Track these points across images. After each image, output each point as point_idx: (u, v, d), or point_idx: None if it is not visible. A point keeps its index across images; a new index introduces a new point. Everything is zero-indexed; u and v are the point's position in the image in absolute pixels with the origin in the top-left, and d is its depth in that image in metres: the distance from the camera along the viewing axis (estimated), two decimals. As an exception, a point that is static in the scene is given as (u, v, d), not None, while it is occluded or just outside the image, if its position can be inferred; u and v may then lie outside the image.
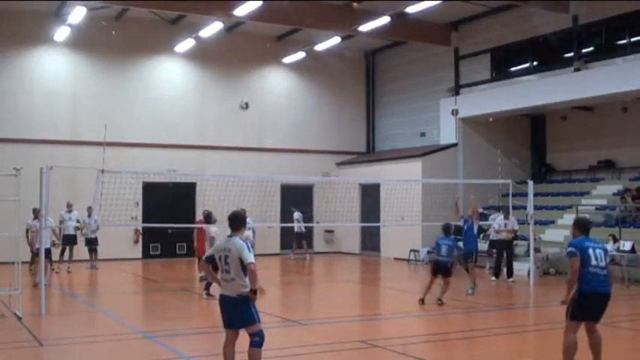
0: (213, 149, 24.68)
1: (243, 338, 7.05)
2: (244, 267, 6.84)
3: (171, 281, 17.04)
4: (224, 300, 7.02)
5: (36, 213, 15.52)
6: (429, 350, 9.66)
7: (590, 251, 7.45)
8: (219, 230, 14.15)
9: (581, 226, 7.76)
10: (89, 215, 18.84)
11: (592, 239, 7.68)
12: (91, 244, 19.86)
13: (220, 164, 23.85)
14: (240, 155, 24.88)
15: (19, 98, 22.18)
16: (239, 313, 6.92)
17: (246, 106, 24.76)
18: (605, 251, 7.66)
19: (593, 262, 7.41)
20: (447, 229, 13.95)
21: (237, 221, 7.15)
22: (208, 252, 7.40)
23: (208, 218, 15.00)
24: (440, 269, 13.44)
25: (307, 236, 24.28)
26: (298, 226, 22.77)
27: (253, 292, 6.84)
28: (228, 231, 7.18)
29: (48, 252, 15.95)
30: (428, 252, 22.71)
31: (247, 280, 6.88)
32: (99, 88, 23.32)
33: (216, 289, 14.54)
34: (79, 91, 23.03)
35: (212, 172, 21.77)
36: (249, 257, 6.80)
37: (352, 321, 12.10)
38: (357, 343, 9.86)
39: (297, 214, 23.00)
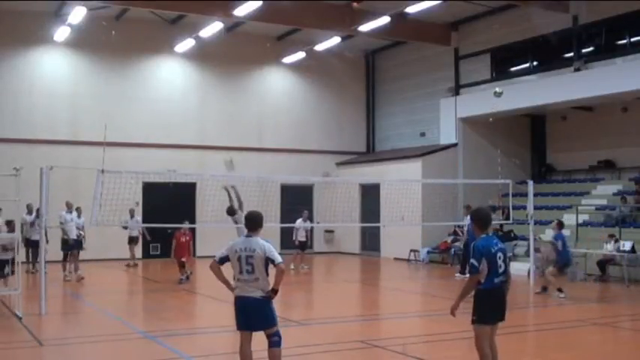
0: (213, 149, 24.70)
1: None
2: (267, 267, 6.82)
3: (172, 281, 17.02)
4: (245, 302, 6.82)
5: (69, 207, 16.74)
6: (429, 350, 9.65)
7: None
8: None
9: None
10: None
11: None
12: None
13: (220, 164, 23.86)
14: (240, 155, 24.88)
15: (19, 98, 22.19)
16: (263, 314, 6.81)
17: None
18: None
19: None
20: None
21: (254, 222, 7.00)
22: (221, 253, 7.04)
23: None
24: None
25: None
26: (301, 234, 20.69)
27: (275, 291, 6.83)
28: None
29: (80, 244, 17.21)
30: (428, 252, 22.75)
31: (268, 279, 6.86)
32: (99, 88, 23.33)
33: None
34: (79, 91, 23.04)
35: (212, 172, 21.72)
36: (280, 257, 6.79)
37: (352, 321, 12.08)
38: (357, 343, 9.85)
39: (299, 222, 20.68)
